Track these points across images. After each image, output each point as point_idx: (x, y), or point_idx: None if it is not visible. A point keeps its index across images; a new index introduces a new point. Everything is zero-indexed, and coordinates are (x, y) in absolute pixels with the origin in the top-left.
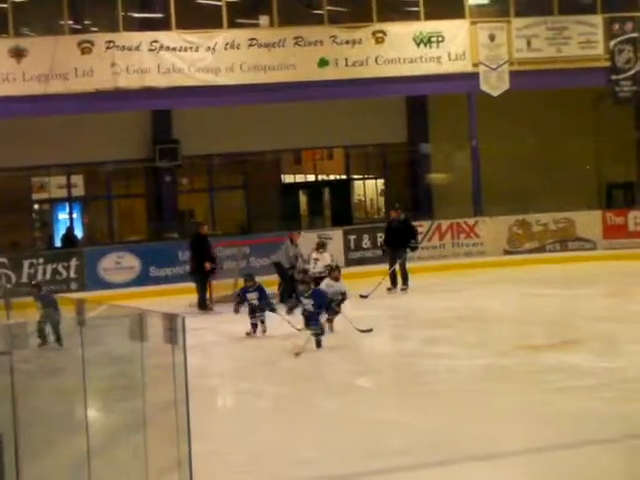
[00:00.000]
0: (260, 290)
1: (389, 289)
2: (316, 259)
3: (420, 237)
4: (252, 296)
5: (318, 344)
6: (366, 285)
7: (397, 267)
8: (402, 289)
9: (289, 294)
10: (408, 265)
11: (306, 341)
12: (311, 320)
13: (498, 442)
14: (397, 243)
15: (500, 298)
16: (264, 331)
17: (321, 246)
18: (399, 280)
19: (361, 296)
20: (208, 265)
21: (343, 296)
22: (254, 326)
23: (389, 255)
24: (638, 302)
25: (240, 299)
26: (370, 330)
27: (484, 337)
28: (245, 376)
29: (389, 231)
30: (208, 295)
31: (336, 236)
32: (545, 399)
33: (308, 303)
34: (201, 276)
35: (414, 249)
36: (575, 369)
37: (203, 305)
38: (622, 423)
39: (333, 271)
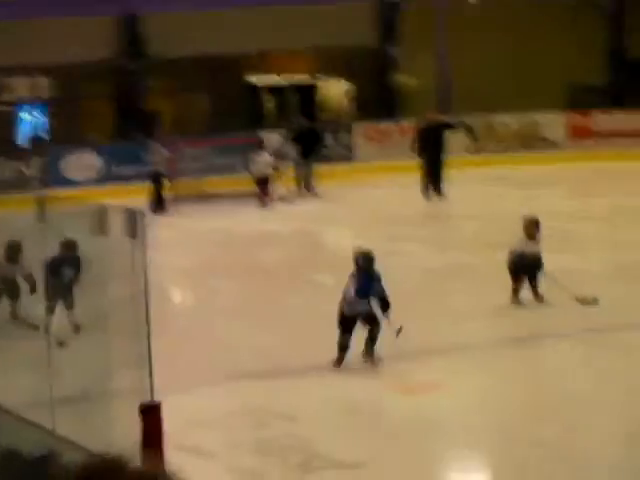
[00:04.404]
0: None
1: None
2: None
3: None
4: None
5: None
6: (331, 183)
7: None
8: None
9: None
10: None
11: None
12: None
13: (457, 336)
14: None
15: (464, 197)
16: None
17: (260, 145)
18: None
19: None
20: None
21: (539, 263)
22: None
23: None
24: (597, 203)
25: None
26: None
27: (447, 235)
28: (206, 272)
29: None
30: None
31: None
32: (503, 296)
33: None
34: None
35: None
36: None
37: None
38: (577, 317)
39: (530, 225)
